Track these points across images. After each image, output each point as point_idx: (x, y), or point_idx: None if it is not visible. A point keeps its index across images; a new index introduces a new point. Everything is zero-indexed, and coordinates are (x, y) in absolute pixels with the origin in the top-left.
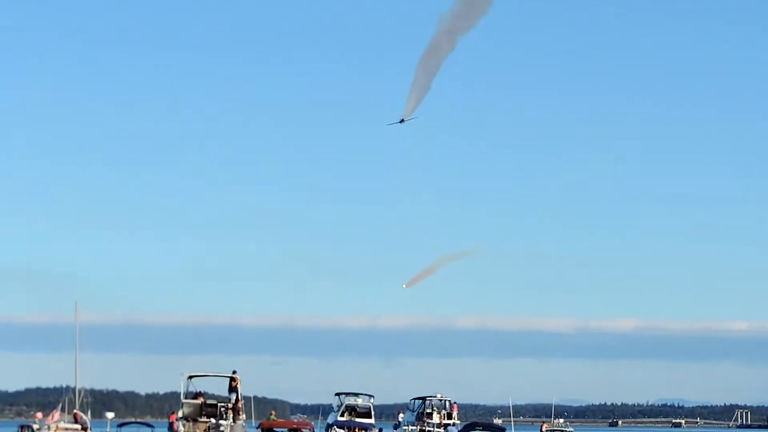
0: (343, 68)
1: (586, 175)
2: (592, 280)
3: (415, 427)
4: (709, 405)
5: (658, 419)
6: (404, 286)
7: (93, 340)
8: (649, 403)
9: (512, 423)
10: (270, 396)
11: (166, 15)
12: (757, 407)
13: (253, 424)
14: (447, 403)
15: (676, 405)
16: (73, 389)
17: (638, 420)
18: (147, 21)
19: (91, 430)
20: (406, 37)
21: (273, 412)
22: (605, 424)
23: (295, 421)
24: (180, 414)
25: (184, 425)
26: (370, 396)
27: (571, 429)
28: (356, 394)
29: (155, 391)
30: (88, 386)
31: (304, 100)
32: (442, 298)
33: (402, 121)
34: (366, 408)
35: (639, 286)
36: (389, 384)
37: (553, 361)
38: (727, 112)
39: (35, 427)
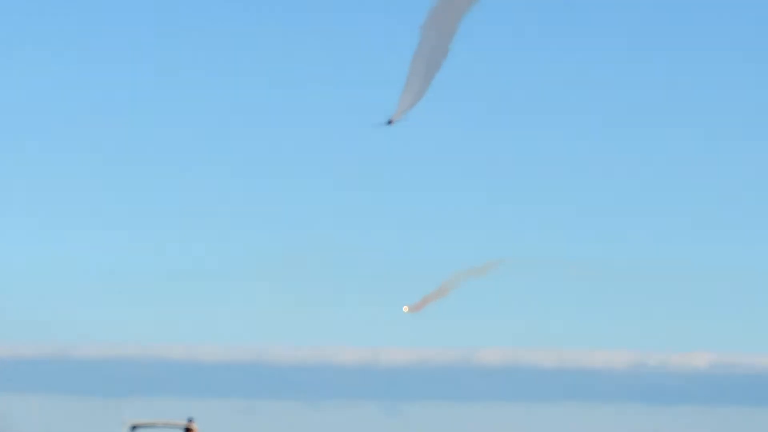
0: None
1: (648, 166)
2: (654, 302)
3: None
4: None
5: None
6: (406, 309)
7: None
8: None
9: None
10: None
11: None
12: None
13: None
14: None
15: None
16: None
17: None
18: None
19: None
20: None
21: None
22: None
23: None
24: None
25: None
26: None
27: None
28: None
29: None
30: None
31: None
32: (459, 325)
33: (390, 122)
34: None
35: (716, 310)
36: None
37: (602, 406)
38: None
39: None
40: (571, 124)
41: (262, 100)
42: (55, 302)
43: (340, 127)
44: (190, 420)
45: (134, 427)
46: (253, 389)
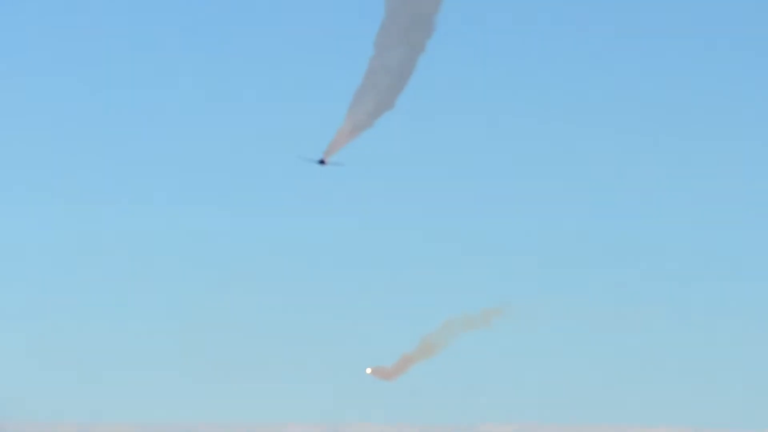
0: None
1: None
2: (709, 365)
3: None
4: None
5: None
6: (369, 371)
7: None
8: None
9: None
10: None
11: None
12: None
13: None
14: None
15: None
16: None
17: None
18: None
19: None
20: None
21: None
22: None
23: None
24: None
25: None
26: None
27: None
28: None
29: None
30: None
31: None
32: (451, 394)
33: (322, 162)
34: None
35: None
36: None
37: None
38: None
39: None
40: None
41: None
42: None
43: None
44: None
45: None
46: None
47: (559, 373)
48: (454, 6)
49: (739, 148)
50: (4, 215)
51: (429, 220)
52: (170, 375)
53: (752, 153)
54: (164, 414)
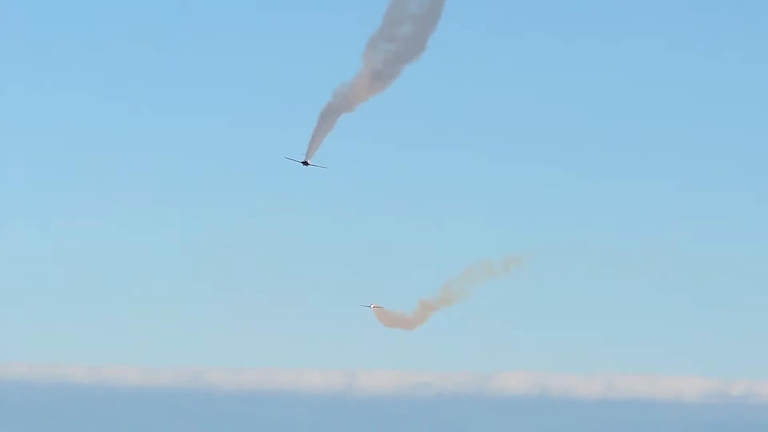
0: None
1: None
2: (738, 315)
3: None
4: None
5: None
6: (373, 306)
7: None
8: None
9: None
10: None
11: None
12: None
13: None
14: None
15: None
16: None
17: None
18: None
19: None
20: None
21: None
22: None
23: None
24: None
25: None
26: None
27: None
28: None
29: None
30: None
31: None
32: (470, 343)
33: (305, 163)
34: None
35: None
36: None
37: None
38: None
39: None
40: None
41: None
42: None
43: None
44: None
45: None
46: (188, 420)
47: (585, 322)
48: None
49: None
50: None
51: (453, 168)
52: (183, 319)
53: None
54: (175, 358)
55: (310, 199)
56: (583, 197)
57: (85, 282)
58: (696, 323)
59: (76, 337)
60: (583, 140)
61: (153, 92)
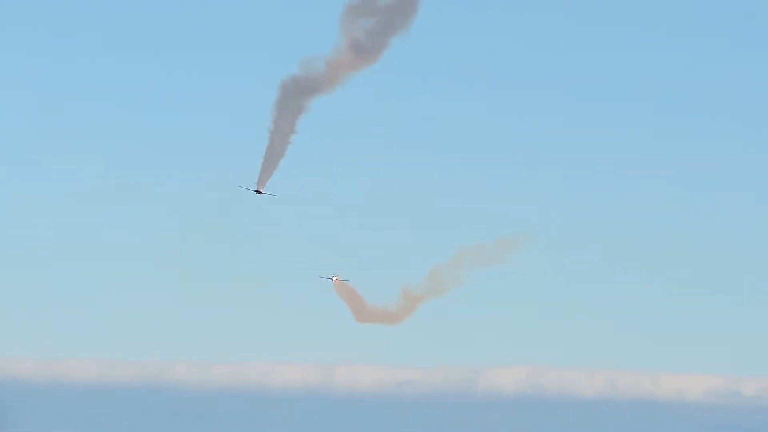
0: None
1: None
2: (751, 310)
3: None
4: None
5: None
6: (335, 279)
7: None
8: None
9: None
10: None
11: None
12: None
13: None
14: None
15: None
16: None
17: None
18: None
19: None
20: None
21: None
22: None
23: None
24: None
25: None
26: None
27: None
28: None
29: None
30: None
31: None
32: (456, 336)
33: (258, 192)
34: None
35: None
36: None
37: None
38: None
39: None
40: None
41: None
42: None
43: None
44: None
45: None
46: (152, 418)
47: (585, 314)
48: None
49: None
50: None
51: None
52: (146, 310)
53: None
54: (137, 352)
55: (284, 181)
56: (584, 178)
57: (38, 272)
58: (702, 317)
59: (28, 330)
60: (586, 121)
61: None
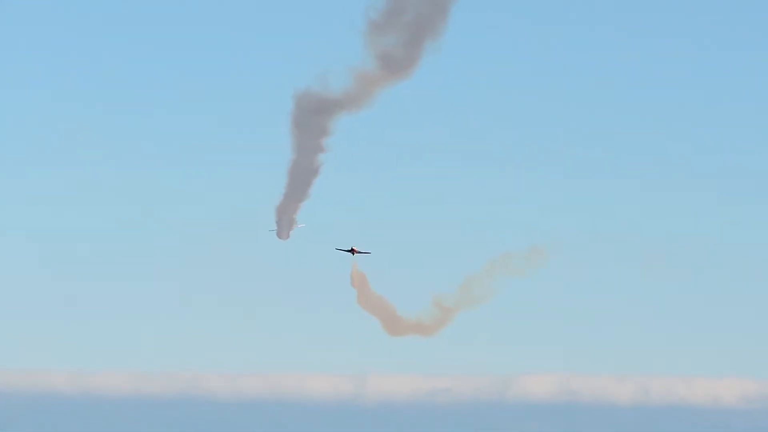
0: None
1: None
2: None
3: None
4: None
5: None
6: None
7: None
8: None
9: None
10: None
11: None
12: None
13: None
14: None
15: None
16: None
17: None
18: None
19: None
20: None
21: None
22: None
23: None
24: None
25: None
26: None
27: None
28: None
29: None
30: None
31: None
32: (491, 343)
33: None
34: None
35: None
36: None
37: None
38: None
39: None
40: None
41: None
42: None
43: None
44: None
45: None
46: (180, 430)
47: (616, 320)
48: None
49: None
50: None
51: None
52: (176, 321)
53: None
54: (168, 363)
55: (314, 192)
56: (614, 185)
57: (70, 284)
58: (735, 321)
59: (61, 342)
60: (619, 131)
61: (131, 87)
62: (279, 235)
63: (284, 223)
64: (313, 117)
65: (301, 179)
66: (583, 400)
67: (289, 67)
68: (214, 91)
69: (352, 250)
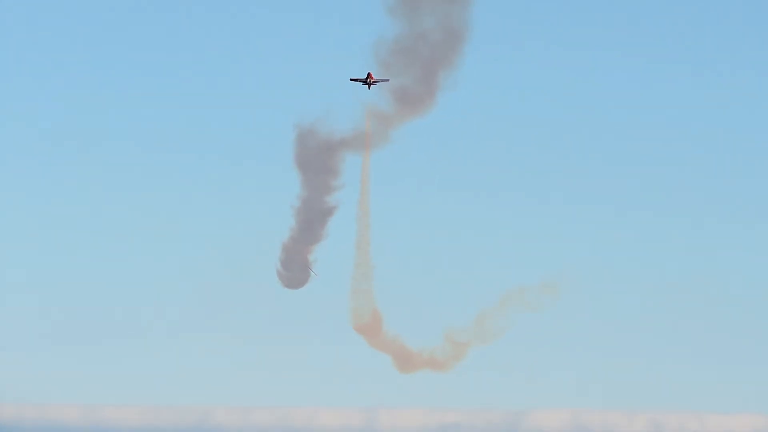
0: None
1: None
2: None
3: None
4: None
5: None
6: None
7: None
8: None
9: None
10: None
11: None
12: None
13: None
14: None
15: None
16: None
17: None
18: None
19: None
20: None
21: None
22: None
23: None
24: None
25: None
26: None
27: None
28: None
29: None
30: None
31: None
32: (502, 377)
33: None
34: None
35: None
36: None
37: None
38: None
39: None
40: None
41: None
42: None
43: None
44: None
45: None
46: None
47: (628, 354)
48: None
49: None
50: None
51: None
52: (186, 355)
53: None
54: (177, 397)
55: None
56: (626, 219)
57: (76, 317)
58: (750, 356)
59: (68, 375)
60: (631, 161)
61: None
62: (289, 283)
63: (297, 266)
64: (320, 157)
65: (313, 219)
66: None
67: (296, 104)
68: (219, 127)
69: (368, 77)
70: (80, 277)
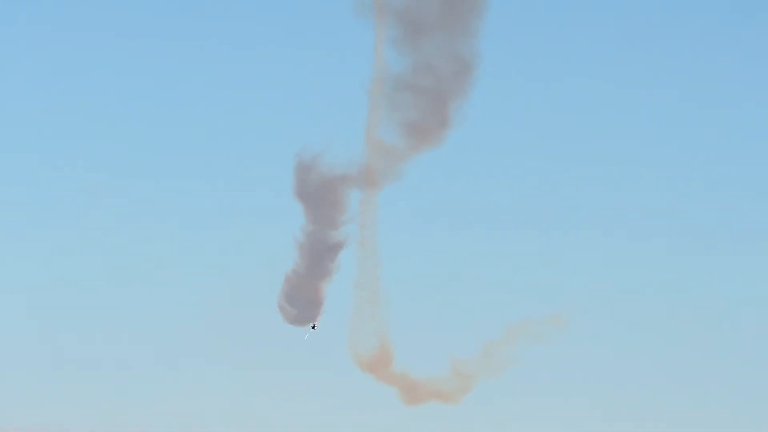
0: None
1: None
2: None
3: None
4: None
5: None
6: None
7: None
8: None
9: None
10: None
11: None
12: None
13: None
14: None
15: None
16: None
17: None
18: None
19: None
20: None
21: None
22: None
23: None
24: None
25: None
26: None
27: None
28: None
29: None
30: None
31: None
32: (510, 412)
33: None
34: None
35: None
36: None
37: None
38: None
39: None
40: None
41: None
42: None
43: None
44: None
45: None
46: None
47: (636, 387)
48: None
49: None
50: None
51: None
52: (189, 386)
53: None
54: (182, 427)
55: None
56: (634, 251)
57: (74, 344)
58: (762, 387)
59: (66, 402)
60: (639, 193)
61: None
62: (293, 320)
63: (303, 303)
64: (323, 192)
65: (319, 253)
66: None
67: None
68: (222, 156)
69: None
70: (80, 305)
